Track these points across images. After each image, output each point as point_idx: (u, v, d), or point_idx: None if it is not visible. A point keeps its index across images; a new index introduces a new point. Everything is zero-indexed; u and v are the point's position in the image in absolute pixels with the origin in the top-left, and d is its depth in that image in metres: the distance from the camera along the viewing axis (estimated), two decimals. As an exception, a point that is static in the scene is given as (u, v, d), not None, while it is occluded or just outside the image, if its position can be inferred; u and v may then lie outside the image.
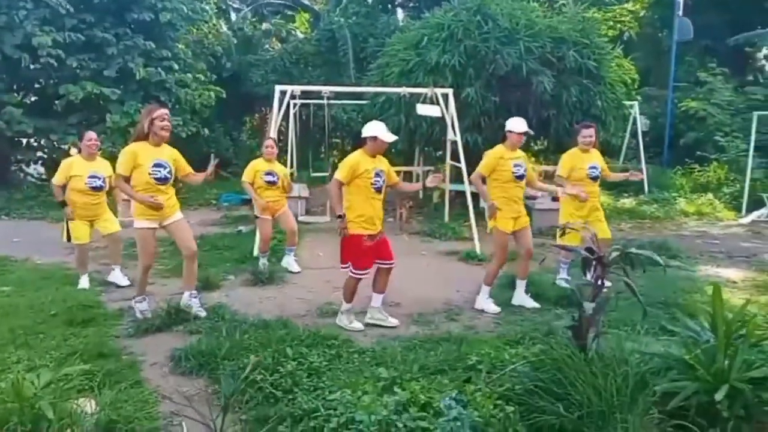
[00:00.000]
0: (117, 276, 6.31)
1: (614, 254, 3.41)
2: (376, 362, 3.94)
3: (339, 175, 4.81)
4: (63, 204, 6.06)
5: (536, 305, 5.50)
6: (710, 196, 12.26)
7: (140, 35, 12.15)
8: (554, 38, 10.15)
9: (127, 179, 4.84)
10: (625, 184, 12.91)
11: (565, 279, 6.17)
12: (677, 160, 14.94)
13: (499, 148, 5.53)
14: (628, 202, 12.24)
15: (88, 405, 3.07)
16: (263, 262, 6.80)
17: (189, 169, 5.21)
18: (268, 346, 4.05)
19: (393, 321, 5.02)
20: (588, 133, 6.08)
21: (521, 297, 5.60)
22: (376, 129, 4.87)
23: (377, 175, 4.85)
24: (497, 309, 5.42)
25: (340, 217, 4.77)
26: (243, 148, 16.72)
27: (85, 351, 4.17)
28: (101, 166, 6.15)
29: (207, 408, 3.08)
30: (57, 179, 6.07)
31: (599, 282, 3.36)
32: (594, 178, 6.06)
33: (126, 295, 5.69)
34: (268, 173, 6.63)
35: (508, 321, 5.16)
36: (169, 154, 4.99)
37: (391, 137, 4.90)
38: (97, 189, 6.05)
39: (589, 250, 3.47)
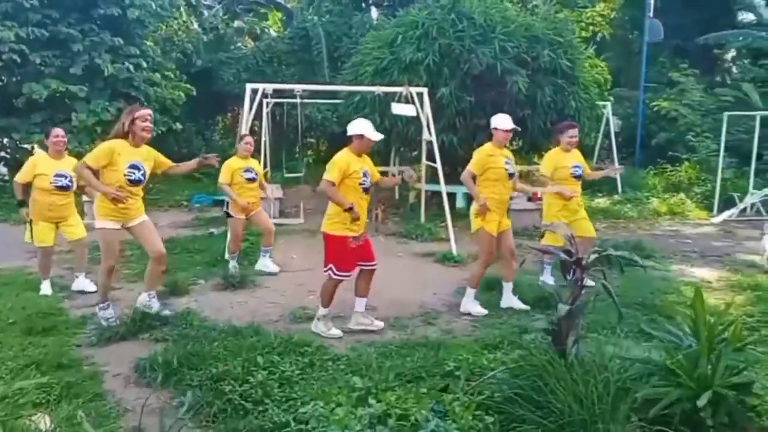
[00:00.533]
0: (82, 283, 6.02)
1: (593, 256, 3.35)
2: (350, 370, 3.81)
3: (329, 176, 4.61)
4: (20, 204, 5.78)
5: (526, 307, 5.39)
6: (682, 195, 12.37)
7: (107, 31, 11.79)
8: (529, 37, 10.13)
9: (93, 171, 4.62)
10: (599, 184, 12.99)
11: (547, 280, 6.12)
12: (649, 160, 15.10)
13: (487, 146, 5.44)
14: (602, 201, 12.31)
15: (42, 421, 2.89)
16: (233, 264, 6.60)
17: (169, 162, 5.08)
18: (238, 355, 3.90)
19: (378, 324, 4.90)
20: (574, 133, 6.09)
21: (509, 299, 5.51)
22: (362, 127, 4.72)
23: (365, 175, 4.71)
24: (484, 311, 5.33)
25: (350, 209, 4.57)
26: (215, 147, 16.32)
27: (44, 361, 3.98)
28: (68, 165, 5.79)
29: (170, 422, 2.91)
30: (20, 176, 5.76)
31: (579, 284, 3.28)
32: (577, 177, 6.07)
33: (90, 302, 5.44)
34: (247, 170, 6.47)
35: (486, 324, 5.06)
36: (146, 155, 4.84)
37: (377, 136, 4.77)
38: (63, 188, 5.72)
39: (567, 252, 3.40)
